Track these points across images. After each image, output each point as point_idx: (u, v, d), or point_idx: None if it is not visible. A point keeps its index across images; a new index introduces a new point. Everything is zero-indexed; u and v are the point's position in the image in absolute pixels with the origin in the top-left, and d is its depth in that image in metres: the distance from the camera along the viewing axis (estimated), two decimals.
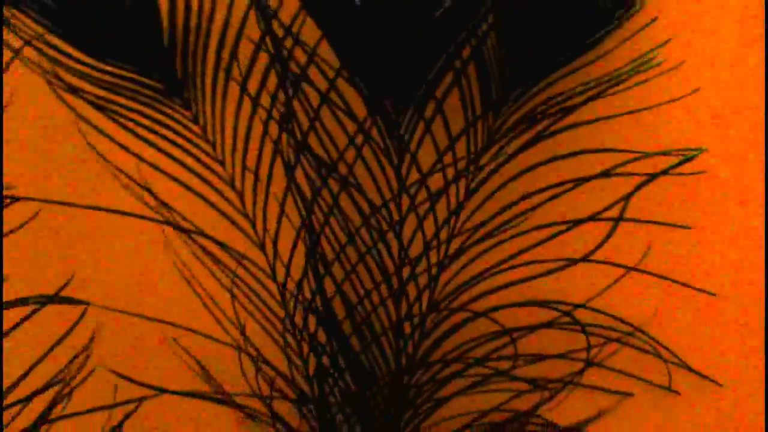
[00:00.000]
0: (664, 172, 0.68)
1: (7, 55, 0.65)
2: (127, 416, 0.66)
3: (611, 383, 0.76)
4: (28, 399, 0.67)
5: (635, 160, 0.68)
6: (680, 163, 0.67)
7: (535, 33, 0.69)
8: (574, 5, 0.67)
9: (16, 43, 0.67)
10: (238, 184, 0.66)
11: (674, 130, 0.71)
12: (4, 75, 0.65)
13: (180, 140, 0.66)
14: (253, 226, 0.67)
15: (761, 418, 0.74)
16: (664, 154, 0.69)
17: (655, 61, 0.69)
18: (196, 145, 0.64)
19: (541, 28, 0.66)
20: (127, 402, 0.69)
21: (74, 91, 0.62)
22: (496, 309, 0.72)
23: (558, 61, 0.71)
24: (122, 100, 0.66)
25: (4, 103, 0.65)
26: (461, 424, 0.79)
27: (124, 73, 0.66)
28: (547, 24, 0.67)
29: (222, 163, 0.64)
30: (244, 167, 0.62)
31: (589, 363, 0.76)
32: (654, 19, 0.68)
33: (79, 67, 0.64)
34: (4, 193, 0.67)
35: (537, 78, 0.72)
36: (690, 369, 0.74)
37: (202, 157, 0.66)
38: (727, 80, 0.71)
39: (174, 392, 0.70)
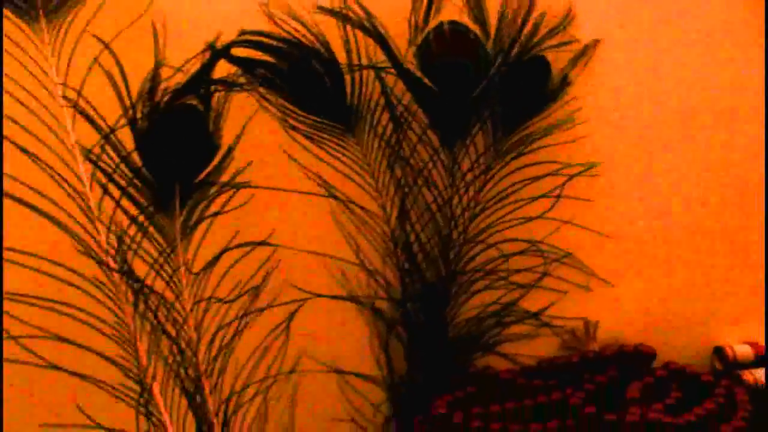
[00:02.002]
0: (580, 173, 1.30)
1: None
2: (295, 311, 1.24)
3: (558, 285, 1.38)
4: (229, 301, 1.23)
5: (568, 166, 1.30)
6: (587, 169, 1.30)
7: (521, 102, 1.29)
8: (539, 90, 1.28)
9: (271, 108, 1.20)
10: (375, 177, 1.25)
11: (583, 152, 1.28)
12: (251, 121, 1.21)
13: (347, 154, 1.24)
14: (381, 198, 1.24)
15: (635, 300, 1.35)
16: (580, 165, 1.32)
17: (572, 117, 1.28)
18: (354, 155, 1.24)
19: (522, 102, 1.26)
20: (296, 300, 1.27)
21: (294, 128, 1.22)
22: (498, 242, 1.33)
23: (532, 115, 1.32)
24: (321, 133, 1.20)
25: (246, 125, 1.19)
26: (476, 312, 1.39)
27: (322, 119, 1.18)
28: (524, 99, 1.28)
29: (368, 165, 1.24)
30: (379, 168, 1.22)
31: (545, 273, 1.37)
32: (573, 98, 1.26)
33: (298, 115, 1.20)
34: (238, 180, 1.22)
35: (521, 124, 1.33)
36: (596, 275, 1.36)
37: (357, 162, 1.23)
38: (607, 129, 1.31)
39: (322, 295, 1.28)
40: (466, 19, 1.19)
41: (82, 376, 1.09)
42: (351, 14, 1.16)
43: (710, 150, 1.33)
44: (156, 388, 1.14)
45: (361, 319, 1.28)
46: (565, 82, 1.25)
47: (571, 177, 1.28)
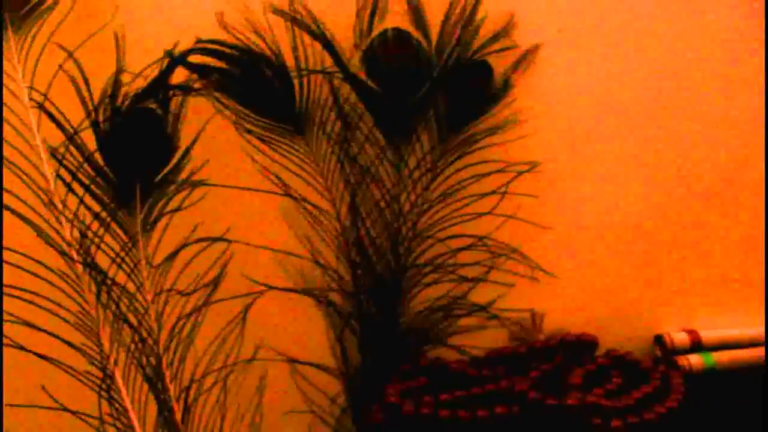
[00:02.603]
0: (526, 171, 1.37)
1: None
2: (251, 303, 1.31)
3: (505, 278, 1.44)
4: (187, 294, 1.29)
5: (512, 164, 1.37)
6: (531, 168, 1.37)
7: (465, 104, 1.36)
8: (482, 92, 1.35)
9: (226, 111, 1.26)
10: (324, 175, 1.32)
11: (526, 151, 1.35)
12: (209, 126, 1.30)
13: (300, 153, 1.28)
14: (331, 195, 1.31)
15: (580, 292, 1.41)
16: (525, 164, 1.38)
17: (515, 117, 1.34)
18: (305, 155, 1.31)
19: (466, 104, 1.34)
20: (249, 294, 1.34)
21: (248, 131, 1.29)
22: (446, 238, 1.39)
23: (475, 117, 1.39)
24: (272, 135, 1.26)
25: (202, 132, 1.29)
26: (426, 305, 1.44)
27: (273, 121, 1.24)
28: (469, 100, 1.35)
29: (317, 164, 1.30)
30: (328, 166, 1.30)
31: (492, 267, 1.43)
32: (514, 99, 1.33)
33: (251, 118, 1.26)
34: (194, 179, 1.30)
35: (465, 125, 1.40)
36: (541, 268, 1.42)
37: (307, 161, 1.29)
38: (548, 128, 1.38)
39: (277, 288, 1.35)
40: (409, 26, 1.27)
41: (49, 359, 1.16)
42: (299, 18, 1.24)
43: (648, 144, 1.40)
44: (118, 375, 1.21)
45: (316, 312, 1.35)
46: (506, 84, 1.33)
47: (518, 174, 1.35)
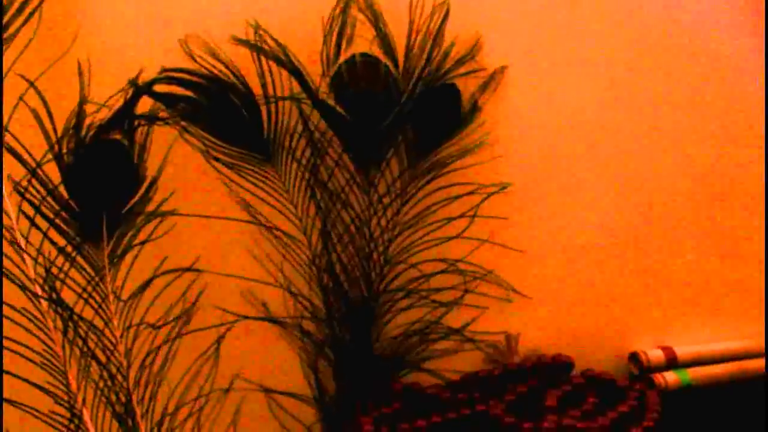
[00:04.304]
0: (494, 193, 1.37)
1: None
2: (224, 333, 1.29)
3: (479, 301, 1.43)
4: (158, 327, 1.27)
5: (482, 186, 1.37)
6: (500, 189, 1.36)
7: (433, 127, 1.36)
8: (450, 116, 1.35)
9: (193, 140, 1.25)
10: (294, 202, 1.31)
11: (496, 173, 1.35)
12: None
13: (268, 182, 1.28)
14: (301, 222, 1.31)
15: (554, 313, 1.41)
16: (494, 185, 1.38)
17: (484, 140, 1.35)
18: (274, 182, 1.30)
19: (434, 127, 1.33)
20: (222, 324, 1.31)
21: (216, 159, 1.27)
22: (419, 263, 1.38)
23: (445, 140, 1.39)
24: (241, 162, 1.25)
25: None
26: (400, 330, 1.43)
27: (242, 149, 1.23)
28: (437, 125, 1.35)
29: (287, 191, 1.29)
30: (298, 193, 1.28)
31: (466, 290, 1.42)
32: (482, 123, 1.34)
33: (219, 146, 1.25)
34: (163, 209, 1.27)
35: (434, 148, 1.40)
36: (515, 290, 1.42)
37: (277, 188, 1.28)
38: (517, 150, 1.38)
39: (249, 317, 1.33)
40: (377, 51, 1.26)
41: (12, 403, 1.12)
42: (266, 47, 1.22)
43: (618, 163, 1.41)
44: (86, 414, 1.18)
45: (290, 340, 1.33)
46: (475, 107, 1.33)
47: (487, 196, 1.35)
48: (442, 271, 1.34)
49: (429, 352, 1.36)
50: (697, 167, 1.42)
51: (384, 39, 1.26)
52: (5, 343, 1.13)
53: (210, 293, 1.28)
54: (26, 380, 1.13)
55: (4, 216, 1.15)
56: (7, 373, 1.12)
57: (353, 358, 1.33)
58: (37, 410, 1.14)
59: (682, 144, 1.42)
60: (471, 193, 1.34)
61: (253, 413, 1.31)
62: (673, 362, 1.35)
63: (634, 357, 1.38)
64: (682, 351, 1.36)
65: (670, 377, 1.32)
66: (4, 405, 1.13)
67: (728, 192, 1.45)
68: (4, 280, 1.14)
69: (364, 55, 1.25)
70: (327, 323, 1.32)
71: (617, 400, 1.28)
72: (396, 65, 1.25)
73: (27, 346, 1.14)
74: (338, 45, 1.25)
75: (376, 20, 1.25)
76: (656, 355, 1.36)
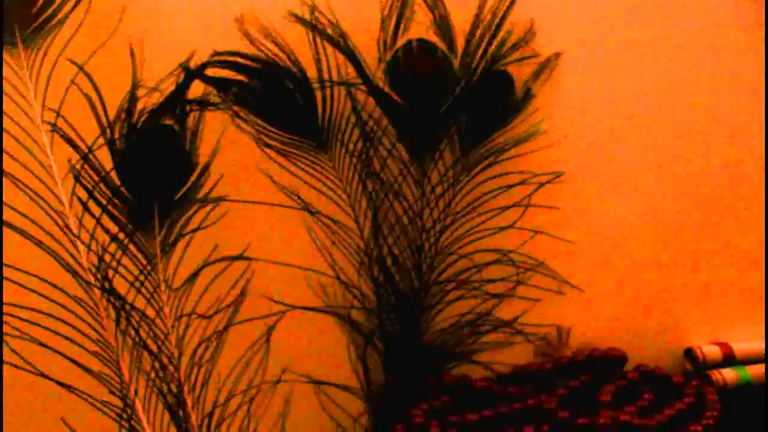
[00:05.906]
0: (547, 182, 1.34)
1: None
2: (274, 324, 1.26)
3: (531, 293, 1.41)
4: (209, 317, 1.25)
5: (535, 175, 1.34)
6: (554, 178, 1.34)
7: (487, 115, 1.33)
8: (503, 103, 1.32)
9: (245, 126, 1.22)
10: (347, 191, 1.29)
11: (549, 162, 1.32)
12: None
13: (320, 169, 1.26)
14: (354, 212, 1.28)
15: (607, 305, 1.38)
16: (548, 174, 1.36)
17: (538, 128, 1.32)
18: (327, 170, 1.27)
19: (487, 115, 1.30)
20: (272, 314, 1.30)
21: (268, 145, 1.25)
22: (470, 253, 1.36)
23: (497, 128, 1.36)
24: (293, 149, 1.23)
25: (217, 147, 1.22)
26: (450, 322, 1.41)
27: (295, 137, 1.21)
28: (489, 112, 1.32)
29: (340, 180, 1.27)
30: (351, 182, 1.26)
31: (518, 282, 1.40)
32: (535, 110, 1.30)
33: (272, 132, 1.22)
34: (214, 195, 1.24)
35: (487, 137, 1.37)
36: (567, 282, 1.39)
37: (330, 176, 1.25)
38: (570, 138, 1.35)
39: (299, 307, 1.31)
40: (434, 37, 1.23)
41: (69, 388, 1.11)
42: (321, 27, 1.20)
43: (672, 154, 1.37)
44: (138, 404, 1.16)
45: (339, 330, 1.31)
46: (528, 94, 1.30)
47: (541, 185, 1.32)
48: (494, 262, 1.31)
49: (479, 345, 1.34)
50: (760, 159, 1.39)
51: (442, 24, 1.23)
52: (61, 329, 1.11)
53: (259, 281, 1.25)
54: (82, 366, 1.11)
55: (57, 203, 1.14)
56: (66, 358, 1.10)
57: (403, 350, 1.30)
58: (91, 397, 1.12)
59: (745, 134, 1.38)
60: (523, 182, 1.31)
61: (302, 404, 1.29)
62: (729, 359, 1.32)
63: (688, 352, 1.36)
64: (740, 347, 1.33)
65: (728, 374, 1.30)
66: (61, 393, 1.11)
67: None
68: (58, 267, 1.12)
69: (421, 40, 1.22)
70: (377, 314, 1.29)
71: (673, 396, 1.26)
72: (454, 52, 1.22)
73: (82, 333, 1.12)
74: (396, 30, 1.22)
75: (435, 4, 1.21)
76: (712, 350, 1.33)
